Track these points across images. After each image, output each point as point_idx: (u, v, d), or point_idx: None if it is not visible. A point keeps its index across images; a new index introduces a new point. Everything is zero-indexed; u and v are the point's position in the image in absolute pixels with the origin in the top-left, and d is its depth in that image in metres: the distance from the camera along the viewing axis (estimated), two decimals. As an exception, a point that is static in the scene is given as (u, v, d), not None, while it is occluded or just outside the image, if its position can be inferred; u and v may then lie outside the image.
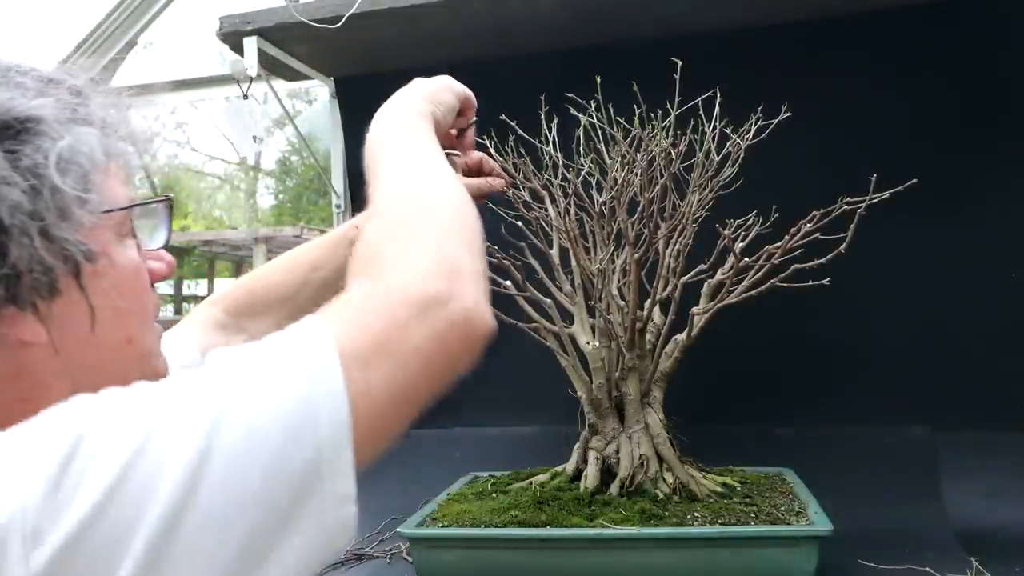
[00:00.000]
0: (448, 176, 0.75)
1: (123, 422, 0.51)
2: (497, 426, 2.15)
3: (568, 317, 1.64)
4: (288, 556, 0.51)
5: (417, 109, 0.84)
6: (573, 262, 1.60)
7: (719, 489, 1.53)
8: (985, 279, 1.88)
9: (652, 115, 1.52)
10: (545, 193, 1.63)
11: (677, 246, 1.57)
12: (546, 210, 1.61)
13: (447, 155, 0.79)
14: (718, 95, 1.54)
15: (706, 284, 1.59)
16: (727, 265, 1.56)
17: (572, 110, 1.61)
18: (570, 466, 1.61)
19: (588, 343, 1.58)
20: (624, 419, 1.56)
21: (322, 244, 1.06)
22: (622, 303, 1.55)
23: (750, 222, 1.55)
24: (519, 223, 1.68)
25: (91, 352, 0.64)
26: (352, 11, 1.88)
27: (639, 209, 1.53)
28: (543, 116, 1.66)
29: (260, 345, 0.55)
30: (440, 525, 1.49)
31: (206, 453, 0.49)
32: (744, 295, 1.47)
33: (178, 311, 12.46)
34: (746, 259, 1.47)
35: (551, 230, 1.65)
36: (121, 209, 0.66)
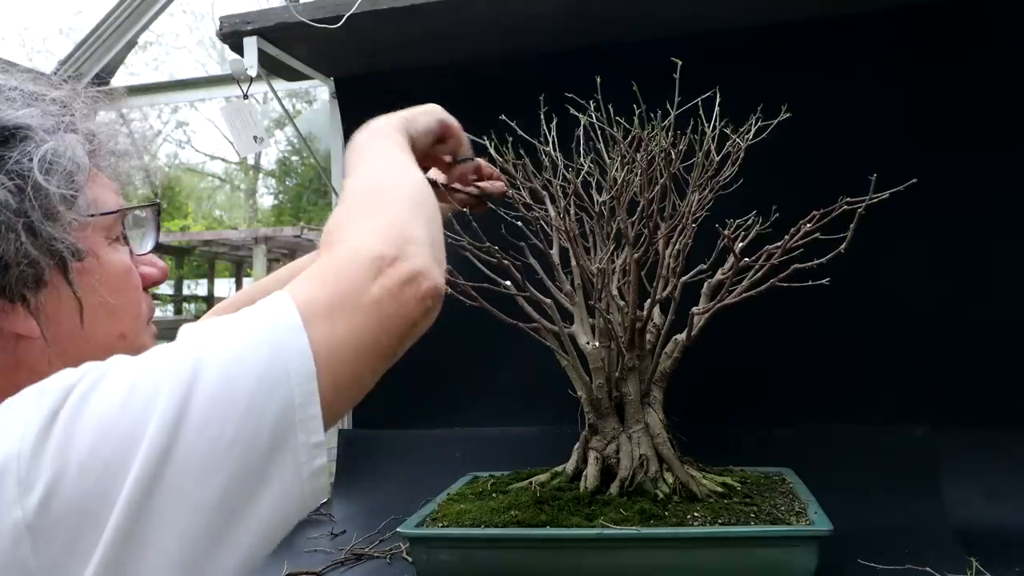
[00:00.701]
0: (406, 165, 0.81)
1: (108, 376, 0.54)
2: (497, 426, 2.15)
3: (568, 317, 1.64)
4: (266, 503, 0.54)
5: (391, 124, 0.90)
6: (573, 262, 1.60)
7: (719, 489, 1.53)
8: (985, 279, 1.88)
9: (652, 115, 1.52)
10: (545, 193, 1.63)
11: (677, 246, 1.57)
12: (546, 210, 1.61)
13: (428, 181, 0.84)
14: (718, 95, 1.54)
15: (706, 284, 1.60)
16: (727, 265, 1.56)
17: (572, 110, 1.61)
18: (570, 466, 1.61)
19: (588, 343, 1.58)
20: (624, 419, 1.56)
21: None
22: (622, 303, 1.55)
23: (750, 222, 1.55)
24: (519, 223, 1.68)
25: (83, 346, 0.67)
26: (352, 11, 1.88)
27: (639, 209, 1.53)
28: (543, 116, 1.66)
29: (229, 316, 0.59)
30: (440, 525, 1.49)
31: (186, 400, 0.52)
32: (744, 295, 1.47)
33: (178, 311, 12.47)
34: (746, 259, 1.47)
35: (551, 230, 1.65)
36: (108, 213, 0.70)
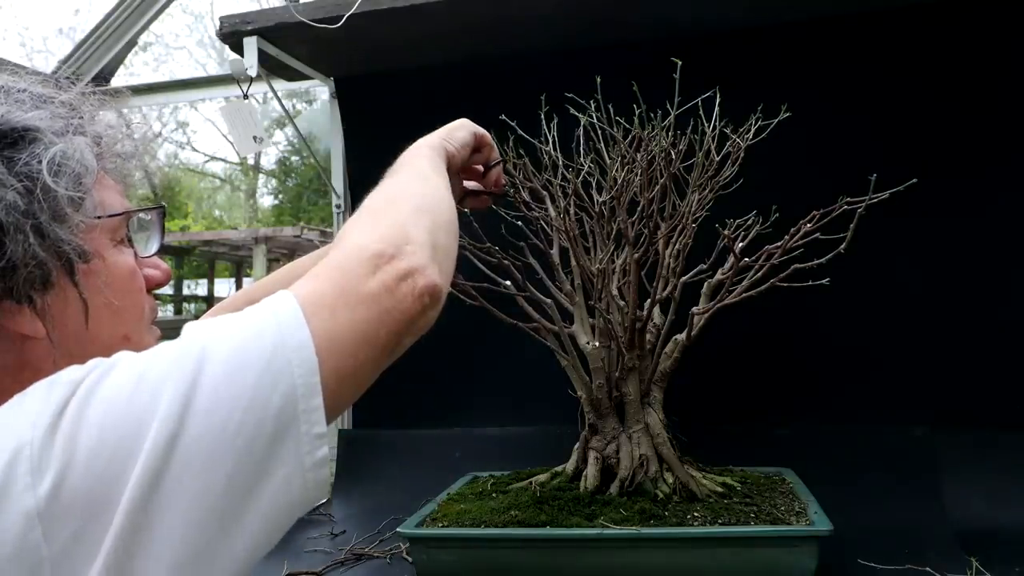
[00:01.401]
0: (425, 175, 0.84)
1: (115, 368, 0.55)
2: (497, 426, 2.15)
3: (568, 317, 1.64)
4: (270, 490, 0.55)
5: (429, 143, 0.94)
6: (573, 262, 1.60)
7: (719, 489, 1.53)
8: (985, 279, 1.88)
9: (652, 115, 1.52)
10: (545, 193, 1.63)
11: (677, 246, 1.57)
12: (546, 210, 1.61)
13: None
14: (718, 95, 1.54)
15: (706, 284, 1.60)
16: (727, 265, 1.56)
17: (572, 110, 1.61)
18: (570, 466, 1.61)
19: (588, 343, 1.58)
20: (624, 419, 1.56)
21: (320, 254, 1.15)
22: (622, 303, 1.55)
23: (750, 222, 1.55)
24: (519, 223, 1.69)
25: (88, 347, 0.67)
26: (352, 11, 1.88)
27: (639, 209, 1.53)
28: (543, 116, 1.66)
29: (233, 313, 0.61)
30: (440, 525, 1.49)
31: (192, 390, 0.53)
32: (744, 295, 1.47)
33: (178, 311, 12.47)
34: (746, 259, 1.47)
35: (551, 230, 1.65)
36: (114, 216, 0.71)
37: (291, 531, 2.17)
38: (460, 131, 1.03)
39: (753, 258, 1.47)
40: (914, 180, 1.39)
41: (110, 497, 0.50)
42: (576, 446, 1.62)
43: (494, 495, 1.62)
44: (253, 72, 2.02)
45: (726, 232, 1.43)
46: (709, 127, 1.54)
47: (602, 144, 1.61)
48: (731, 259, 1.51)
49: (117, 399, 0.53)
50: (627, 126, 1.56)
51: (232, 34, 2.02)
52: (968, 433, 1.83)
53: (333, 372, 0.58)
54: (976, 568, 1.44)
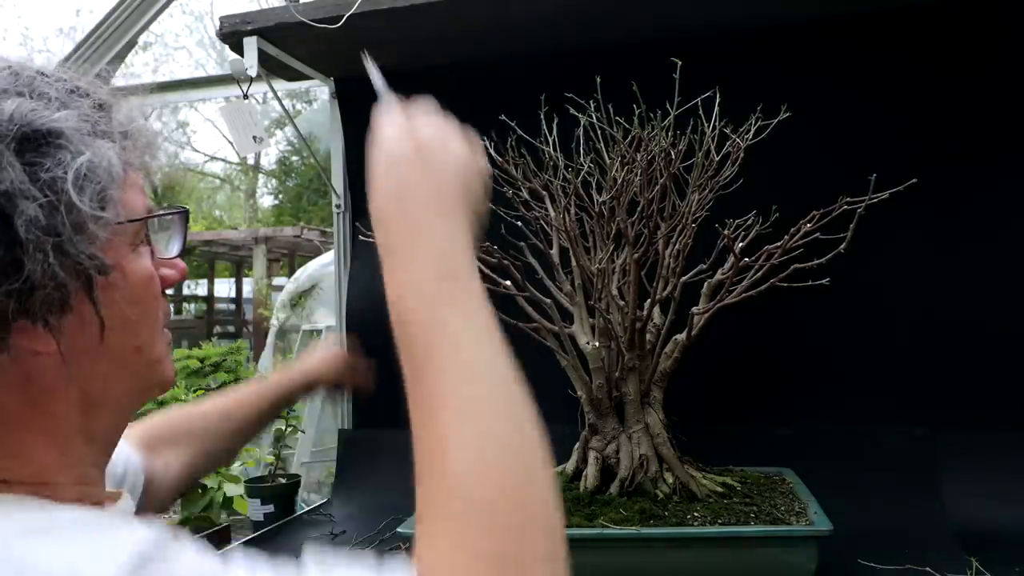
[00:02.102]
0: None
1: None
2: (497, 426, 2.15)
3: (568, 317, 1.64)
4: None
5: (463, 238, 0.62)
6: (573, 262, 1.60)
7: (719, 489, 1.53)
8: (985, 279, 1.88)
9: (652, 115, 1.52)
10: (545, 193, 1.63)
11: (677, 246, 1.57)
12: (546, 210, 1.61)
13: None
14: (718, 95, 1.54)
15: (706, 284, 1.59)
16: (727, 265, 1.56)
17: (572, 110, 1.61)
18: (570, 466, 1.61)
19: (588, 343, 1.58)
20: (624, 419, 1.56)
21: (237, 398, 1.17)
22: (622, 303, 1.55)
23: (750, 222, 1.55)
24: (519, 223, 1.68)
25: (100, 362, 0.64)
26: (352, 11, 1.88)
27: (639, 209, 1.53)
28: (543, 116, 1.66)
29: None
30: (440, 525, 1.49)
31: None
32: (744, 295, 1.47)
33: (178, 311, 12.46)
34: (746, 259, 1.47)
35: (551, 230, 1.65)
36: (135, 220, 0.66)
37: (291, 531, 2.17)
38: (477, 179, 0.68)
39: (753, 258, 1.47)
40: (914, 180, 1.39)
41: None
42: (576, 446, 1.62)
43: (494, 495, 1.61)
44: (253, 72, 2.02)
45: (726, 232, 1.43)
46: (709, 127, 1.54)
47: (602, 144, 1.61)
48: (731, 259, 1.51)
49: None
50: (627, 126, 1.56)
51: (232, 34, 2.02)
52: (968, 433, 1.83)
53: None
54: (976, 568, 1.44)
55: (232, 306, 12.39)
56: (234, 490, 2.73)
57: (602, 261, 1.57)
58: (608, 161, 1.57)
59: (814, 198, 1.44)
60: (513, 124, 1.64)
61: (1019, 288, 1.85)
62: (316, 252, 8.02)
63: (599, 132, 1.61)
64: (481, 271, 1.57)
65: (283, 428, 2.64)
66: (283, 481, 2.36)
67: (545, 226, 1.64)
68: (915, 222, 1.84)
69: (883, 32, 1.93)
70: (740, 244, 1.50)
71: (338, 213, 2.42)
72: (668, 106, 1.48)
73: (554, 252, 1.66)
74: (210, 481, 2.71)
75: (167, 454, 1.03)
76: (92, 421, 0.65)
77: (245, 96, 2.13)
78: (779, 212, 1.52)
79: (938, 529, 1.66)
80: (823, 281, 1.40)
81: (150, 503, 0.96)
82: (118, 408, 0.68)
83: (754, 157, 1.56)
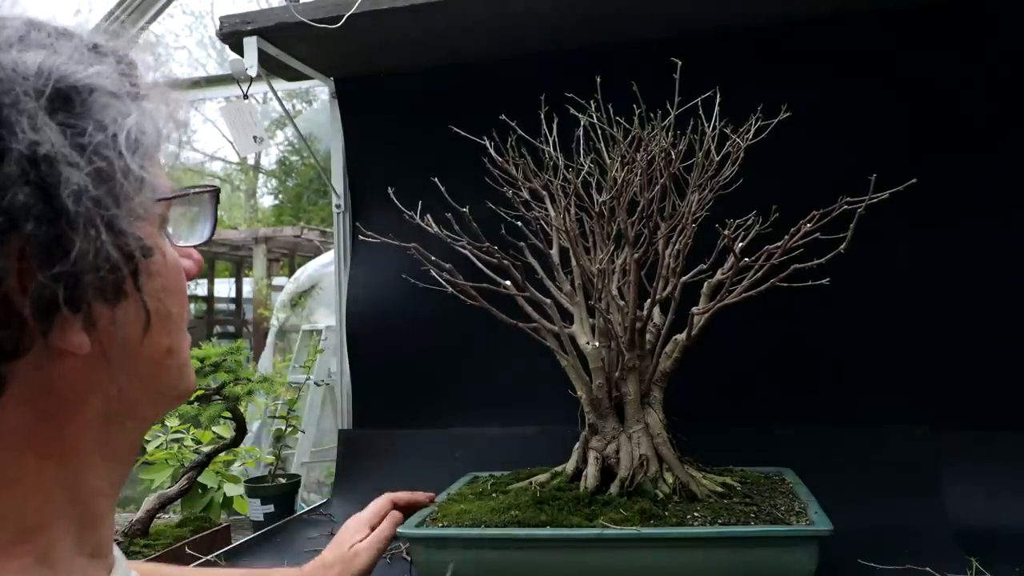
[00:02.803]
0: None
1: None
2: (497, 426, 2.15)
3: (568, 317, 1.64)
4: None
5: None
6: (573, 262, 1.60)
7: (719, 489, 1.53)
8: (986, 280, 1.88)
9: (652, 115, 1.52)
10: (545, 193, 1.63)
11: (677, 246, 1.57)
12: (546, 210, 1.61)
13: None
14: (718, 95, 1.54)
15: (706, 284, 1.59)
16: (727, 265, 1.56)
17: (572, 110, 1.61)
18: (570, 466, 1.61)
19: (588, 343, 1.58)
20: (624, 419, 1.56)
21: None
22: (622, 303, 1.55)
23: (750, 222, 1.55)
24: (519, 223, 1.68)
25: (137, 364, 0.55)
26: (352, 11, 1.88)
27: (639, 209, 1.53)
28: (543, 116, 1.66)
29: None
30: (440, 525, 1.49)
31: None
32: (744, 295, 1.47)
33: (178, 311, 12.45)
34: (746, 259, 1.47)
35: (551, 230, 1.65)
36: (171, 198, 0.58)
37: (291, 531, 2.16)
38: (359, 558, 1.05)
39: (753, 258, 1.47)
40: (914, 180, 1.39)
41: None
42: (576, 446, 1.62)
43: (494, 495, 1.62)
44: (253, 72, 2.02)
45: (726, 232, 1.43)
46: (709, 127, 1.54)
47: (602, 144, 1.61)
48: (731, 259, 1.51)
49: None
50: (627, 126, 1.56)
51: (232, 34, 2.02)
52: (968, 433, 1.83)
53: None
54: (976, 568, 1.44)
55: (232, 306, 12.39)
56: (234, 490, 2.73)
57: (602, 261, 1.57)
58: (608, 161, 1.57)
59: (814, 198, 1.44)
60: (513, 124, 1.64)
61: (1020, 288, 1.85)
62: (316, 252, 8.02)
63: (599, 132, 1.61)
64: (481, 271, 1.58)
65: (283, 428, 2.64)
66: (283, 481, 2.36)
67: (545, 226, 1.64)
68: (916, 222, 1.84)
69: (883, 32, 1.93)
70: (740, 244, 1.50)
71: (338, 213, 2.42)
72: (668, 106, 1.48)
73: (554, 252, 1.66)
74: (210, 481, 2.72)
75: None
76: (113, 436, 0.56)
77: (245, 96, 2.13)
78: (779, 212, 1.52)
79: (938, 529, 1.66)
80: (823, 281, 1.40)
81: None
82: (142, 420, 0.60)
83: (754, 157, 1.56)
